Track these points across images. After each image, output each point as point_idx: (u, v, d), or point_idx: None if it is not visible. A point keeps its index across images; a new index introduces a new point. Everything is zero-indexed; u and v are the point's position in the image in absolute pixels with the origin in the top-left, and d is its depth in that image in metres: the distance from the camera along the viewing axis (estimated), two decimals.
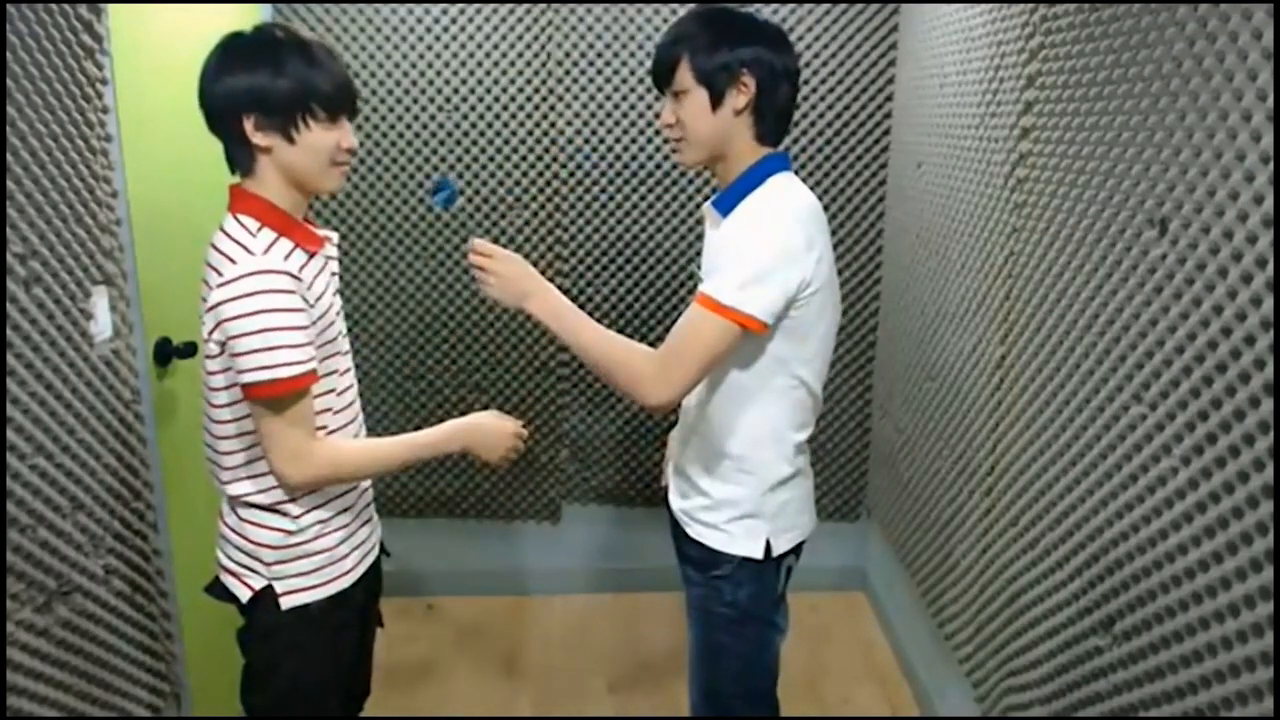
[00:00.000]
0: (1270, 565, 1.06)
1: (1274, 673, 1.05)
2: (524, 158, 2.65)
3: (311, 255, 1.38)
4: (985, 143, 1.92)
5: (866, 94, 2.65)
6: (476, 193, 2.66)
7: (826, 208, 2.65)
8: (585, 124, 2.65)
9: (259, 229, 1.33)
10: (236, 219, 1.33)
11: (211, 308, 1.28)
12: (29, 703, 1.37)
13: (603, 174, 2.67)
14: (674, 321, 1.44)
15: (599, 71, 2.61)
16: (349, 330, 1.54)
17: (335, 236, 1.47)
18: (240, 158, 1.35)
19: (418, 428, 1.48)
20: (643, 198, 2.69)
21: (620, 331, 1.47)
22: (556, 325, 1.46)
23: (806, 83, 2.62)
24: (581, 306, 2.71)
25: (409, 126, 2.62)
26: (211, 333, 1.31)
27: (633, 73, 2.60)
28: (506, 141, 2.64)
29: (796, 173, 1.56)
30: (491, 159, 2.65)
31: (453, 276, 2.71)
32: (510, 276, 1.46)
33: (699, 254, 1.73)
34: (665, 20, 2.56)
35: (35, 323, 1.41)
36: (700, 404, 1.56)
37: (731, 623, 1.57)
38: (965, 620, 2.03)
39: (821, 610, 2.88)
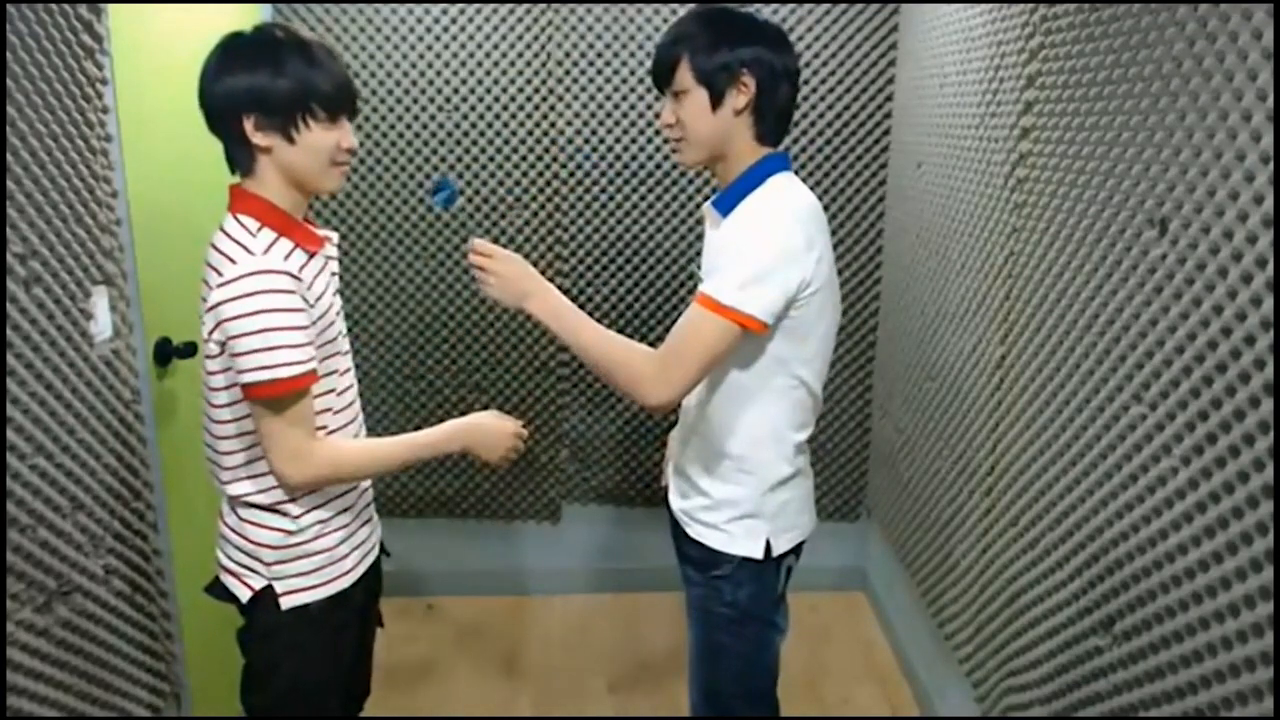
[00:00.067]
0: (1270, 565, 1.06)
1: (1274, 673, 1.05)
2: (524, 158, 2.65)
3: (311, 255, 1.38)
4: (985, 143, 1.92)
5: (866, 94, 2.65)
6: (476, 193, 2.66)
7: (826, 208, 2.65)
8: (585, 124, 2.65)
9: (259, 229, 1.33)
10: (236, 219, 1.33)
11: (211, 308, 1.28)
12: (29, 703, 1.37)
13: (603, 174, 2.67)
14: (674, 321, 1.44)
15: (599, 71, 2.61)
16: (349, 330, 1.54)
17: (335, 236, 1.47)
18: (240, 158, 1.35)
19: (418, 428, 1.48)
20: (643, 198, 2.69)
21: (620, 331, 1.47)
22: (556, 325, 1.46)
23: (806, 83, 2.62)
24: (581, 306, 2.71)
25: (409, 126, 2.62)
26: (211, 333, 1.31)
27: (633, 73, 2.60)
28: (506, 141, 2.64)
29: (796, 173, 1.56)
30: (491, 159, 2.65)
31: (453, 276, 2.71)
32: (510, 276, 1.46)
33: (699, 254, 1.73)
34: (665, 20, 2.56)
35: (35, 323, 1.41)
36: (700, 404, 1.56)
37: (731, 623, 1.57)
38: (965, 620, 2.03)
39: (821, 610, 2.88)
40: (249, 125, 1.30)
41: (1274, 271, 1.05)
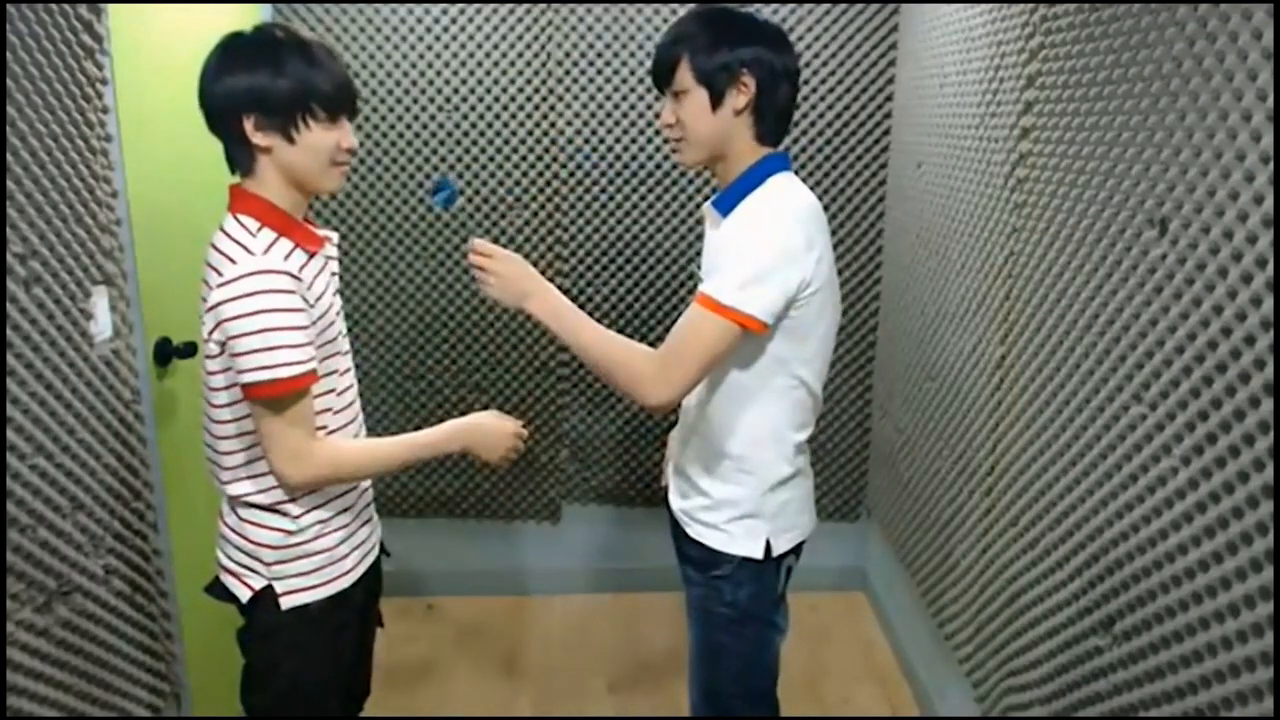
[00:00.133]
0: (1270, 565, 1.06)
1: (1274, 673, 1.05)
2: (524, 158, 2.65)
3: (311, 255, 1.38)
4: (985, 143, 1.92)
5: (866, 94, 2.65)
6: (476, 193, 2.66)
7: (826, 208, 2.65)
8: (585, 124, 2.65)
9: (259, 229, 1.33)
10: (236, 219, 1.33)
11: (211, 308, 1.28)
12: (29, 703, 1.37)
13: (603, 174, 2.67)
14: (674, 321, 1.44)
15: (599, 71, 2.61)
16: (349, 330, 1.54)
17: (335, 236, 1.47)
18: (240, 158, 1.35)
19: (418, 428, 1.48)
20: (643, 198, 2.69)
21: (620, 331, 1.47)
22: (556, 325, 1.46)
23: (806, 83, 2.62)
24: (581, 306, 2.71)
25: (409, 126, 2.62)
26: (211, 333, 1.31)
27: (633, 73, 2.60)
28: (506, 141, 2.64)
29: (796, 173, 1.56)
30: (491, 159, 2.65)
31: (453, 276, 2.71)
32: (510, 276, 1.46)
33: (699, 254, 1.73)
34: (665, 20, 2.56)
35: (35, 323, 1.41)
36: (700, 404, 1.56)
37: (732, 623, 1.57)
38: (965, 620, 2.03)
39: (821, 610, 2.88)
40: (249, 125, 1.30)
41: (1274, 271, 1.05)
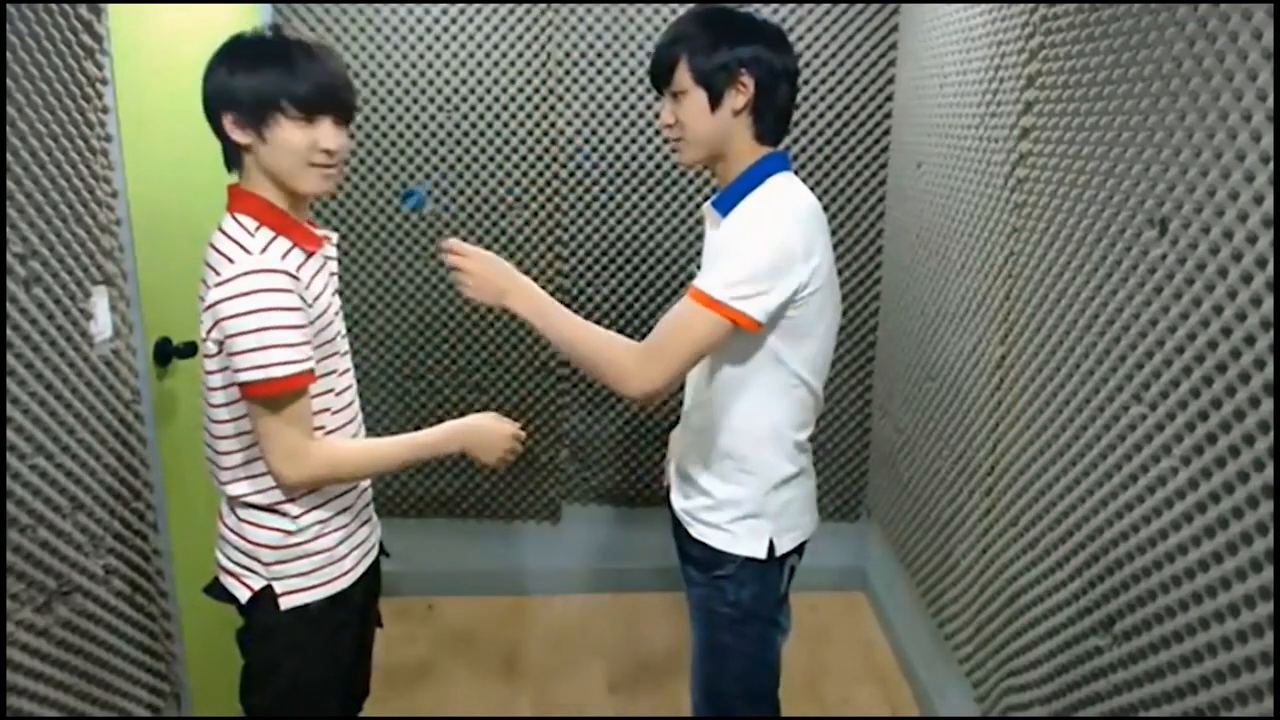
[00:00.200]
0: (1270, 565, 1.06)
1: (1274, 673, 1.05)
2: (524, 158, 2.65)
3: (310, 254, 1.38)
4: (985, 143, 1.92)
5: (866, 94, 2.65)
6: (476, 193, 2.66)
7: (826, 208, 2.65)
8: (585, 124, 2.65)
9: (257, 228, 1.33)
10: (235, 218, 1.34)
11: (209, 307, 1.28)
12: (29, 703, 1.37)
13: (603, 174, 2.67)
14: None
15: (599, 71, 2.61)
16: (349, 330, 1.54)
17: (335, 236, 1.47)
18: (230, 155, 1.36)
19: (417, 428, 1.48)
20: (643, 198, 2.69)
21: (620, 332, 1.47)
22: (538, 321, 1.46)
23: (806, 83, 2.62)
24: (582, 306, 2.74)
25: (409, 126, 2.62)
26: (209, 332, 1.31)
27: (633, 73, 2.60)
28: (506, 141, 2.64)
29: (796, 173, 1.56)
30: (491, 159, 2.65)
31: (453, 277, 2.71)
32: (487, 275, 1.47)
33: (699, 254, 1.73)
34: (665, 20, 2.56)
35: (35, 323, 1.41)
36: (701, 404, 1.56)
37: (734, 622, 1.57)
38: (965, 620, 2.03)
39: (821, 610, 2.88)
40: (228, 122, 1.31)
41: (1274, 271, 1.05)
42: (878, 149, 2.68)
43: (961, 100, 2.07)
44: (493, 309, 2.62)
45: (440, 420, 1.50)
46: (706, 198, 2.50)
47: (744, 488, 1.53)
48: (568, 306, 1.50)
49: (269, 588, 1.41)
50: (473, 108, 2.61)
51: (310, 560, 1.42)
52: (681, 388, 1.63)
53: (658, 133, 2.59)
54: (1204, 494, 1.18)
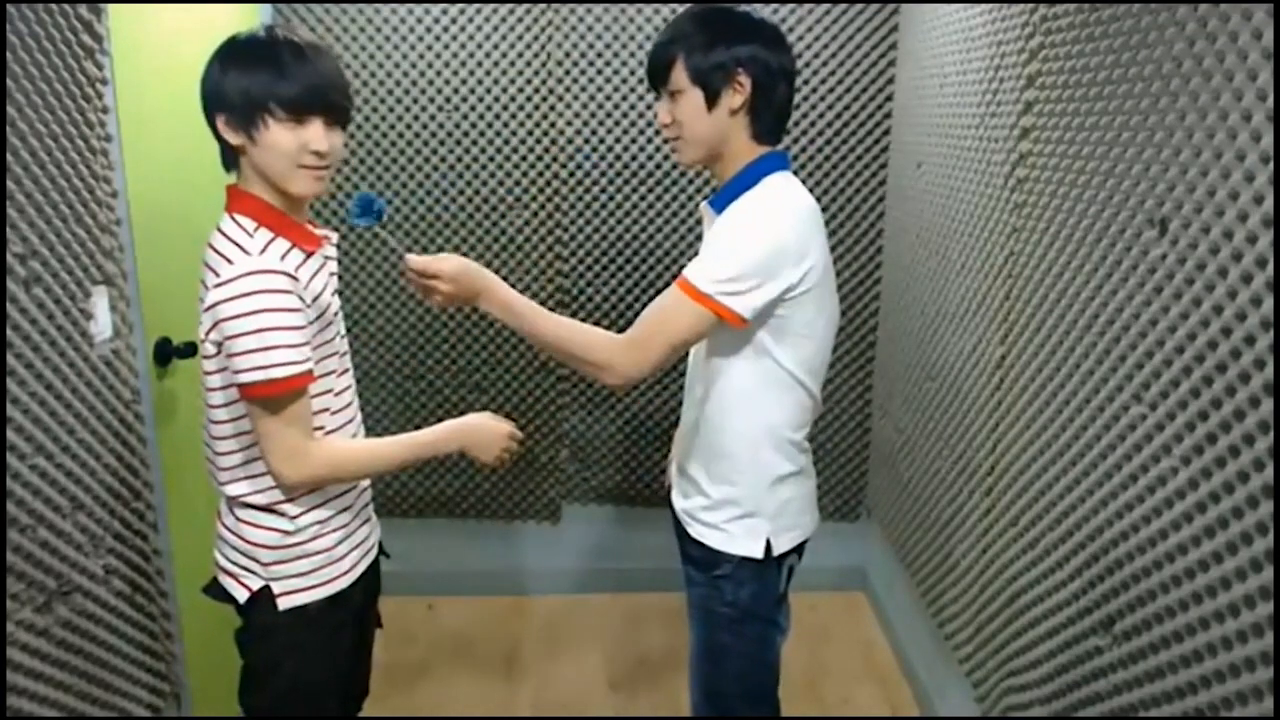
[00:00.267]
0: (1270, 565, 1.06)
1: (1274, 673, 1.05)
2: (524, 158, 2.65)
3: (309, 255, 1.38)
4: (985, 143, 1.92)
5: (866, 94, 2.65)
6: (476, 193, 2.66)
7: (826, 208, 2.66)
8: (585, 124, 2.65)
9: (256, 229, 1.32)
10: (233, 218, 1.33)
11: (209, 308, 1.28)
12: (29, 703, 1.37)
13: (603, 174, 2.67)
14: None
15: (599, 71, 2.61)
16: (349, 330, 1.54)
17: (335, 236, 1.47)
18: (227, 156, 1.37)
19: (417, 428, 1.48)
20: (643, 198, 2.69)
21: (620, 332, 1.47)
22: (513, 320, 1.48)
23: (806, 83, 2.62)
24: (582, 306, 2.74)
25: (409, 126, 2.62)
26: (209, 333, 1.31)
27: (633, 73, 2.60)
28: (506, 141, 2.64)
29: (796, 173, 1.56)
30: (491, 159, 2.65)
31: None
32: (458, 278, 1.46)
33: (698, 254, 1.73)
34: (665, 20, 2.56)
35: (35, 323, 1.41)
36: (700, 404, 1.56)
37: (733, 622, 1.57)
38: (965, 620, 2.03)
39: (821, 610, 2.88)
40: (221, 123, 1.31)
41: (1274, 271, 1.05)
42: (878, 149, 2.68)
43: (961, 100, 2.07)
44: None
45: (440, 420, 1.50)
46: (706, 198, 2.49)
47: (741, 488, 1.53)
48: (568, 306, 1.50)
49: (267, 588, 1.41)
50: (473, 108, 2.61)
51: (309, 560, 1.42)
52: (681, 388, 1.63)
53: (657, 133, 2.59)
54: (1204, 494, 1.18)
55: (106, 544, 1.58)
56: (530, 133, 2.63)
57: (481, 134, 2.63)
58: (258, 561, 1.41)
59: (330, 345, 1.41)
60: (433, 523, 2.92)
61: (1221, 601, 1.15)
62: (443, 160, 2.64)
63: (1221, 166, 1.15)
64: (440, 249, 2.69)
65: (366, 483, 1.55)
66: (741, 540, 1.54)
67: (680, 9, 2.38)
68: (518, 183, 2.66)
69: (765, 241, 1.39)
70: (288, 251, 1.34)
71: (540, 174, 2.66)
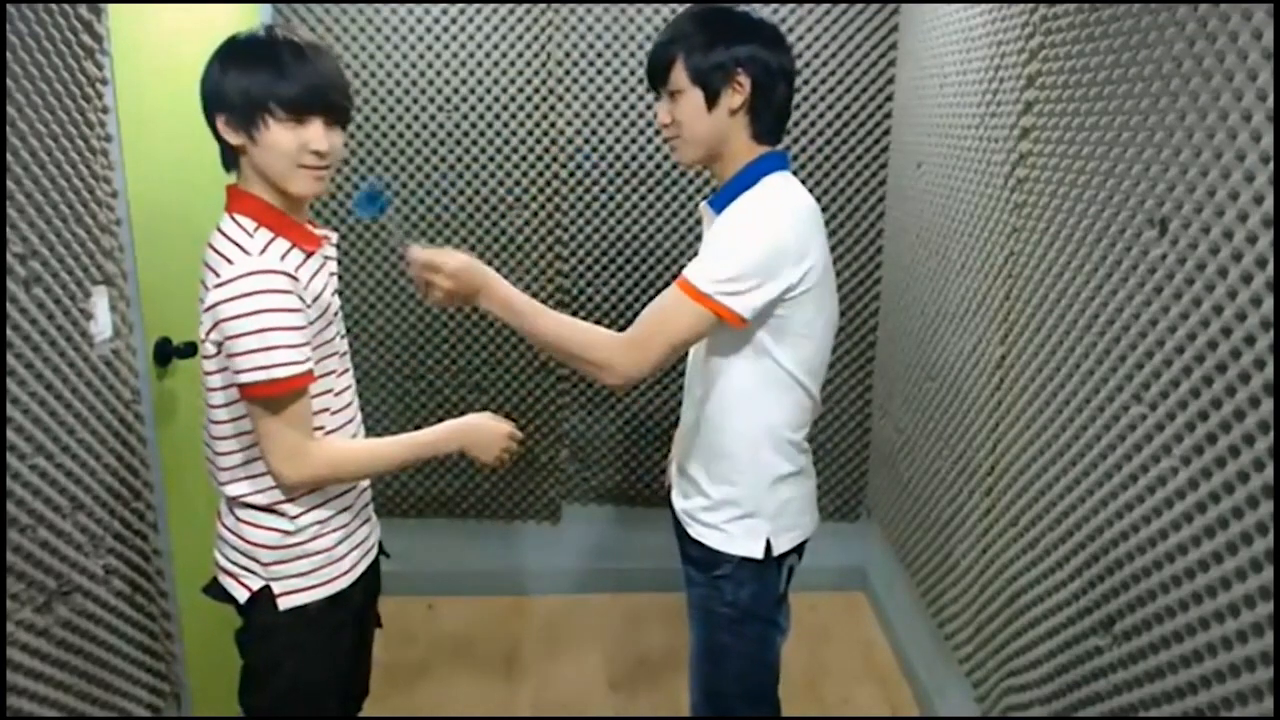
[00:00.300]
0: (1270, 565, 1.06)
1: (1274, 673, 1.05)
2: (524, 158, 2.65)
3: (309, 254, 1.38)
4: (985, 143, 1.92)
5: (866, 94, 2.65)
6: (476, 193, 2.66)
7: (826, 208, 2.66)
8: (585, 124, 2.65)
9: (256, 229, 1.32)
10: (233, 218, 1.33)
11: (209, 308, 1.28)
12: (29, 703, 1.37)
13: (603, 174, 2.67)
14: None
15: (599, 71, 2.61)
16: (349, 330, 1.54)
17: (334, 236, 1.47)
18: (227, 156, 1.36)
19: (417, 428, 1.48)
20: (643, 198, 2.69)
21: (620, 331, 1.47)
22: (512, 317, 1.47)
23: (806, 83, 2.62)
24: (582, 306, 2.73)
25: (409, 126, 2.62)
26: (209, 333, 1.31)
27: (633, 73, 2.60)
28: (506, 141, 2.64)
29: (796, 173, 1.56)
30: (491, 159, 2.65)
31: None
32: (458, 273, 1.45)
33: (698, 254, 1.73)
34: (665, 20, 2.56)
35: (35, 323, 1.41)
36: (699, 404, 1.56)
37: (733, 623, 1.57)
38: (965, 620, 2.03)
39: (821, 610, 2.88)
40: (220, 123, 1.31)
41: (1274, 271, 1.05)
42: (878, 149, 2.68)
43: (961, 100, 2.07)
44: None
45: (440, 420, 1.50)
46: (706, 198, 2.49)
47: (740, 488, 1.53)
48: (568, 306, 1.50)
49: (267, 588, 1.41)
50: (473, 108, 2.61)
51: (309, 560, 1.42)
52: (681, 388, 1.63)
53: (657, 133, 2.59)
54: (1204, 494, 1.18)
55: (106, 544, 1.58)
56: (530, 133, 2.63)
57: (481, 134, 2.63)
58: (258, 561, 1.41)
59: (330, 345, 1.41)
60: (433, 523, 2.92)
61: (1221, 601, 1.15)
62: (443, 160, 2.64)
63: (1221, 166, 1.15)
64: (441, 249, 2.67)
65: (366, 483, 1.55)
66: (741, 540, 1.54)
67: (680, 9, 2.39)
68: (518, 183, 2.66)
69: (765, 241, 1.39)
70: (288, 251, 1.34)
71: (540, 174, 2.66)
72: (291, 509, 1.40)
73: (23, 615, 1.36)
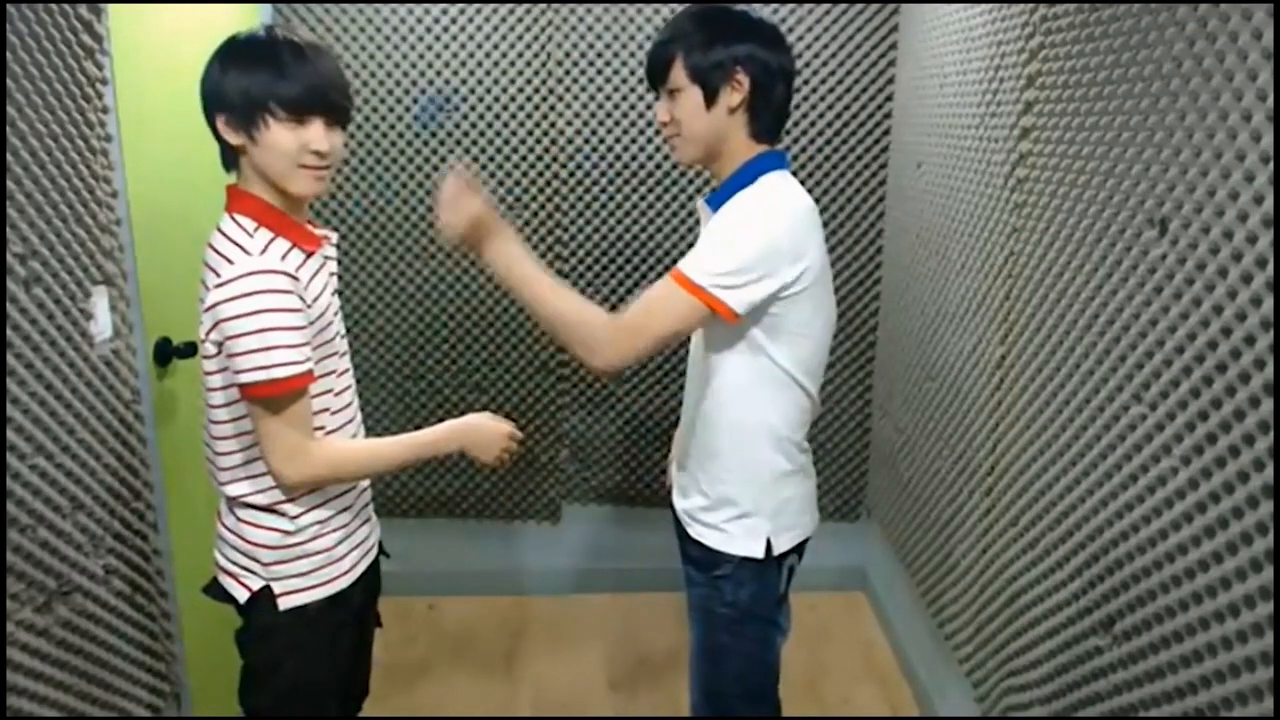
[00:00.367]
0: (1270, 565, 1.06)
1: (1274, 673, 1.05)
2: (524, 158, 2.65)
3: (309, 255, 1.38)
4: (985, 143, 1.92)
5: (866, 94, 2.65)
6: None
7: (826, 208, 2.66)
8: (585, 124, 2.65)
9: (256, 229, 1.32)
10: (233, 219, 1.33)
11: (209, 308, 1.28)
12: (29, 703, 1.37)
13: (603, 174, 2.67)
14: None
15: (599, 71, 2.61)
16: (349, 330, 1.54)
17: (334, 236, 1.47)
18: (227, 156, 1.36)
19: (417, 428, 1.48)
20: (643, 198, 2.69)
21: None
22: (515, 280, 1.44)
23: (806, 83, 2.62)
24: None
25: (409, 126, 2.62)
26: (209, 333, 1.31)
27: (633, 73, 2.60)
28: (506, 141, 2.64)
29: (796, 173, 1.56)
30: (491, 159, 2.65)
31: (453, 276, 2.71)
32: (484, 212, 1.44)
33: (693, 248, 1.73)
34: (665, 20, 2.54)
35: (35, 323, 1.41)
36: (698, 403, 1.56)
37: (733, 622, 1.57)
38: (965, 620, 2.03)
39: (821, 610, 2.88)
40: (221, 123, 1.31)
41: (1274, 271, 1.05)
42: (878, 149, 2.68)
43: (961, 100, 2.07)
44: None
45: (440, 420, 1.50)
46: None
47: (739, 487, 1.53)
48: None
49: (268, 588, 1.41)
50: (473, 108, 2.61)
51: (309, 560, 1.42)
52: (682, 387, 1.63)
53: (657, 133, 2.59)
54: (1204, 494, 1.18)
55: (106, 544, 1.58)
56: (530, 133, 2.63)
57: (481, 134, 2.63)
58: (258, 561, 1.41)
59: (330, 345, 1.41)
60: (433, 523, 2.92)
61: (1221, 601, 1.15)
62: (443, 160, 2.64)
63: (1221, 166, 1.15)
64: (441, 248, 2.68)
65: (366, 483, 1.55)
66: (741, 540, 1.54)
67: (680, 8, 2.39)
68: (518, 183, 2.66)
69: (761, 238, 1.39)
70: (288, 251, 1.34)
71: (540, 174, 2.66)
72: (292, 509, 1.40)
73: (23, 615, 1.36)
